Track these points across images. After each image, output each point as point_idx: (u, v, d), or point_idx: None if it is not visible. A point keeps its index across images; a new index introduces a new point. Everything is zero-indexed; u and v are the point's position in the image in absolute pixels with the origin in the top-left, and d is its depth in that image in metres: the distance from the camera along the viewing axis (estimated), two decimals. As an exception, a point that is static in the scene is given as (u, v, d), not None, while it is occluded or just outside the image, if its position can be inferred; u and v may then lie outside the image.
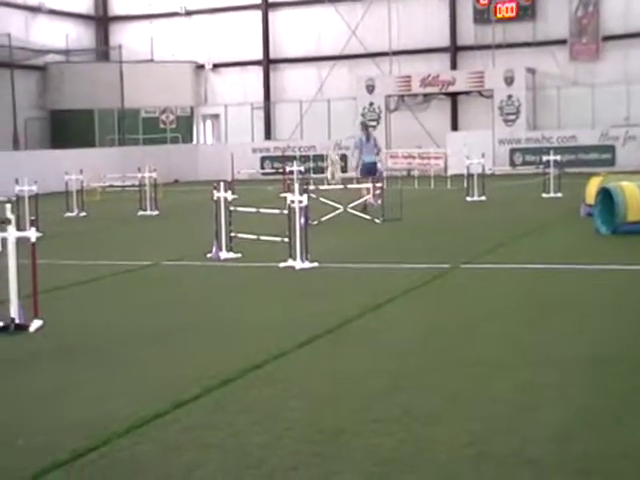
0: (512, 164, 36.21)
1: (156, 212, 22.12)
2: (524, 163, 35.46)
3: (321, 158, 39.84)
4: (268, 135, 44.00)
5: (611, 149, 36.16)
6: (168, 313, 9.02)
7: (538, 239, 14.46)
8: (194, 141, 44.69)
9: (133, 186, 25.18)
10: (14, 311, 8.21)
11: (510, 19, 39.54)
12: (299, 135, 42.31)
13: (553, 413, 5.26)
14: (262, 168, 40.05)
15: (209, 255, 13.04)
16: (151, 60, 44.10)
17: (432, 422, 5.19)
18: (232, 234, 13.30)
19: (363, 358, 6.81)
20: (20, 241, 8.44)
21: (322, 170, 36.26)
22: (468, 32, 40.53)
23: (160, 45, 44.72)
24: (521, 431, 4.96)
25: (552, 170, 23.81)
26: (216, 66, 45.09)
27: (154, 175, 23.33)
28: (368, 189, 19.28)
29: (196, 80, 45.25)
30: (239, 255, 13.01)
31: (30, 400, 6.02)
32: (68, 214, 22.50)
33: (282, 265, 11.85)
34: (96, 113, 41.21)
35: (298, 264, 11.80)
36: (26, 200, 18.24)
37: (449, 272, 11.05)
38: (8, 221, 8.33)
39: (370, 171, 20.19)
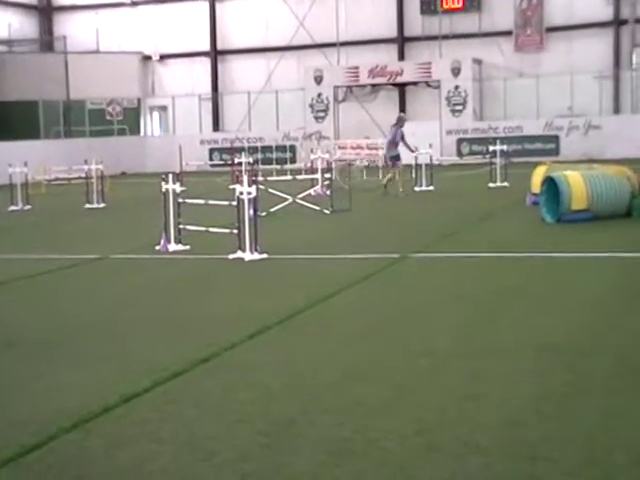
0: (459, 154, 36.54)
1: (103, 205, 21.90)
2: (471, 153, 35.82)
3: (270, 149, 39.77)
4: (216, 127, 43.79)
5: (555, 139, 36.70)
6: (116, 306, 8.94)
7: (486, 228, 14.61)
8: (141, 133, 44.29)
9: (79, 179, 24.88)
10: (-42, 306, 8.07)
11: (456, 10, 39.86)
12: (247, 126, 42.18)
13: (501, 401, 5.32)
14: (210, 160, 39.84)
15: (157, 247, 12.95)
16: (97, 51, 43.56)
17: (383, 412, 5.21)
18: (180, 226, 13.22)
19: (314, 349, 6.82)
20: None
21: (271, 161, 36.20)
22: (415, 23, 40.75)
23: (106, 36, 44.19)
24: (470, 419, 5.01)
25: (498, 160, 24.08)
26: (163, 57, 44.72)
27: (101, 167, 23.08)
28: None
29: (143, 71, 44.84)
30: (188, 247, 12.94)
31: (-25, 397, 5.92)
32: (12, 207, 22.16)
33: (231, 257, 11.81)
34: (40, 104, 40.56)
35: (247, 255, 11.77)
36: (-31, 193, 17.93)
37: (399, 262, 11.11)
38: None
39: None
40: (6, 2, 43.08)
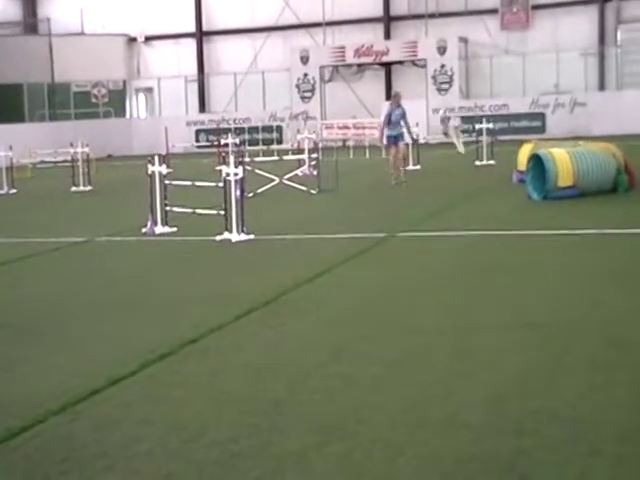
0: (446, 133, 36.47)
1: (89, 187, 21.82)
2: (458, 132, 35.75)
3: (256, 130, 39.66)
4: (202, 108, 43.60)
5: (541, 116, 36.73)
6: (103, 289, 8.92)
7: (472, 206, 14.62)
8: (127, 115, 44.06)
9: (65, 162, 24.76)
10: (-56, 291, 8.03)
11: (442, -12, 39.71)
12: (234, 107, 42.02)
13: (488, 377, 5.34)
14: (197, 141, 39.71)
15: (144, 230, 12.92)
16: (81, 33, 43.24)
17: (371, 390, 5.22)
18: (167, 208, 13.18)
19: (301, 328, 6.82)
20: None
21: (257, 142, 36.09)
22: (401, 2, 40.59)
23: (91, 18, 43.86)
24: (457, 396, 5.03)
25: (485, 138, 24.08)
26: (148, 39, 44.43)
27: (87, 150, 22.98)
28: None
29: (128, 53, 44.55)
30: (175, 229, 12.91)
31: (-38, 381, 5.90)
32: (-2, 191, 22.05)
33: (218, 238, 11.80)
34: (25, 87, 40.29)
35: (234, 237, 11.76)
36: (-46, 178, 17.83)
37: (385, 241, 11.11)
38: None
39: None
40: (-12, -15, 42.70)
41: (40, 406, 5.12)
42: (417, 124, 24.62)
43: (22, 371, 6.03)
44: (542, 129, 36.03)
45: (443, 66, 38.21)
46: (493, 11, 39.11)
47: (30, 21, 45.12)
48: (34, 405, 5.16)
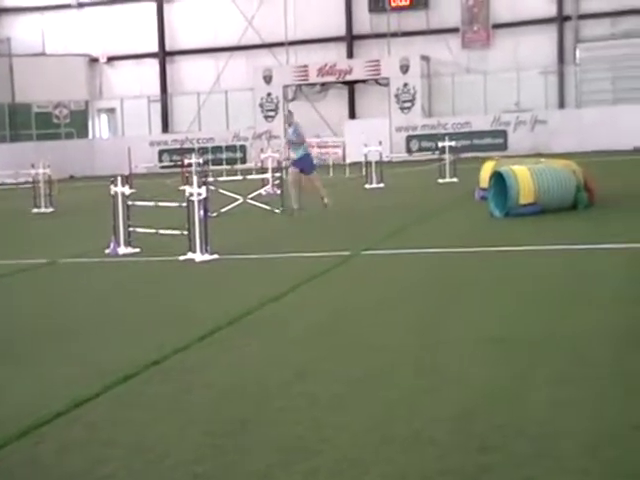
0: (409, 151, 36.76)
1: (51, 209, 21.64)
2: (420, 149, 36.10)
3: (220, 149, 39.65)
4: (166, 128, 43.51)
5: (503, 134, 37.14)
6: (66, 311, 8.83)
7: (436, 224, 14.71)
8: (90, 136, 43.83)
9: (26, 183, 24.54)
10: None
11: (404, 8, 40.13)
12: (197, 127, 41.98)
13: (453, 394, 5.35)
14: (160, 161, 39.60)
15: (107, 251, 12.82)
16: (43, 53, 43.01)
17: (336, 409, 5.21)
18: (130, 229, 13.10)
19: (266, 348, 6.80)
20: None
21: (221, 162, 36.04)
22: (364, 21, 40.93)
23: (52, 38, 43.69)
24: (422, 413, 5.03)
25: (447, 156, 24.28)
26: (111, 59, 44.31)
27: (48, 171, 22.80)
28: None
29: (90, 73, 44.39)
30: (138, 250, 12.83)
31: None
32: (-41, 213, 21.79)
33: (182, 258, 11.74)
34: (-15, 108, 40.00)
35: (198, 257, 11.72)
36: None
37: (350, 259, 11.13)
38: None
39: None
40: (-53, 5, 42.35)
41: (2, 430, 5.04)
42: (380, 142, 24.75)
43: (-17, 395, 5.94)
44: (504, 146, 36.42)
45: (406, 84, 38.52)
46: (454, 30, 39.57)
47: (-10, 41, 44.83)
48: (-5, 429, 5.09)
